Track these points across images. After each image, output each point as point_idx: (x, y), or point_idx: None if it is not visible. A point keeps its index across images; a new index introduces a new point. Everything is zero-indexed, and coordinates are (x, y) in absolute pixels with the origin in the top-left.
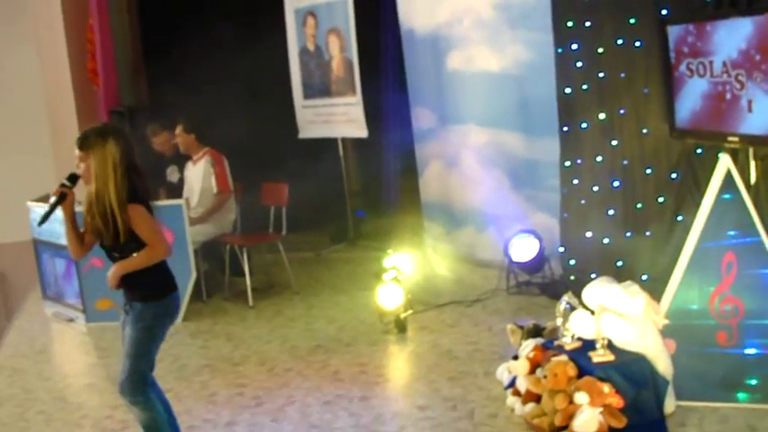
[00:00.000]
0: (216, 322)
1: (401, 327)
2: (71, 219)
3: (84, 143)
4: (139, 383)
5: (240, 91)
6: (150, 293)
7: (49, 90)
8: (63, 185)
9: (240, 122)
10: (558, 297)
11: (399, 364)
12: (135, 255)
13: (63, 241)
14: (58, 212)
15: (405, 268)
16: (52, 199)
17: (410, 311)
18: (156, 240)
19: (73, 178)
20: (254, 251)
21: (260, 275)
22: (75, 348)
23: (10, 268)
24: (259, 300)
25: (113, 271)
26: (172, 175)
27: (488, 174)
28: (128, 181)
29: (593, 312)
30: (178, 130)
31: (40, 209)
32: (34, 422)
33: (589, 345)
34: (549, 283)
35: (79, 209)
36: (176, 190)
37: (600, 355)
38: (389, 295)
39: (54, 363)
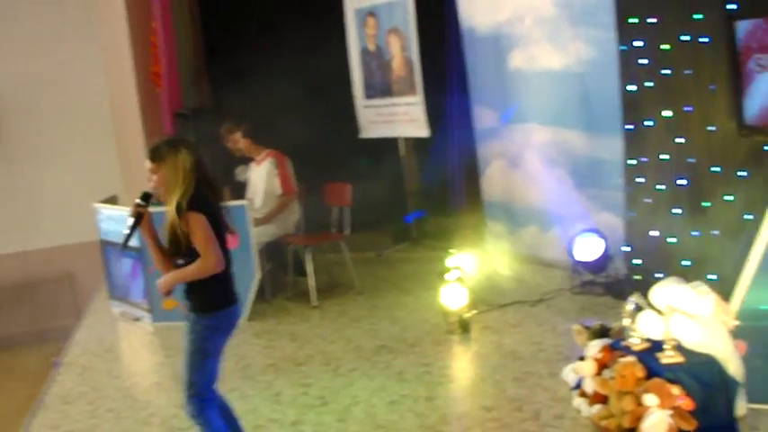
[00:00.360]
0: (280, 322)
1: (465, 327)
2: (152, 237)
3: (156, 155)
4: (196, 399)
5: (301, 91)
6: (203, 306)
7: (114, 93)
8: (138, 205)
9: (302, 123)
10: (622, 297)
11: (464, 365)
12: (191, 264)
13: (129, 242)
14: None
15: (468, 268)
16: (130, 221)
17: (474, 311)
18: (207, 251)
19: (146, 197)
20: (317, 251)
21: (323, 275)
22: (142, 347)
23: (78, 268)
24: (323, 300)
25: (166, 278)
26: (241, 174)
27: (551, 173)
28: (196, 191)
29: (661, 313)
30: (237, 134)
31: (106, 210)
32: (104, 419)
33: (657, 346)
34: (614, 282)
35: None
36: (243, 189)
37: (669, 357)
38: (453, 295)
39: (122, 361)
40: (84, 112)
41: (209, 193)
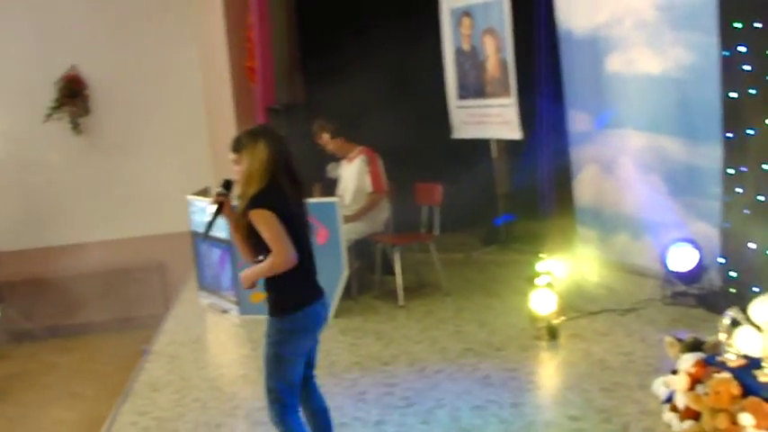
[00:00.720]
0: (366, 320)
1: (553, 333)
2: (234, 226)
3: (237, 145)
4: (276, 405)
5: (394, 90)
6: (277, 309)
7: (209, 87)
8: (219, 194)
9: (394, 121)
10: (715, 310)
11: (551, 372)
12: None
13: (219, 234)
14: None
15: (557, 273)
16: (211, 209)
17: (562, 318)
18: (276, 248)
19: (228, 185)
20: (406, 251)
21: (410, 275)
22: (229, 339)
23: (169, 258)
24: (409, 299)
25: (246, 273)
26: (332, 171)
27: (645, 179)
28: (269, 185)
29: (760, 329)
30: (325, 138)
31: (198, 202)
32: (190, 408)
33: (755, 363)
34: (708, 294)
35: None
36: (334, 186)
37: (767, 375)
38: (542, 301)
39: (209, 352)
40: (179, 105)
41: (289, 186)
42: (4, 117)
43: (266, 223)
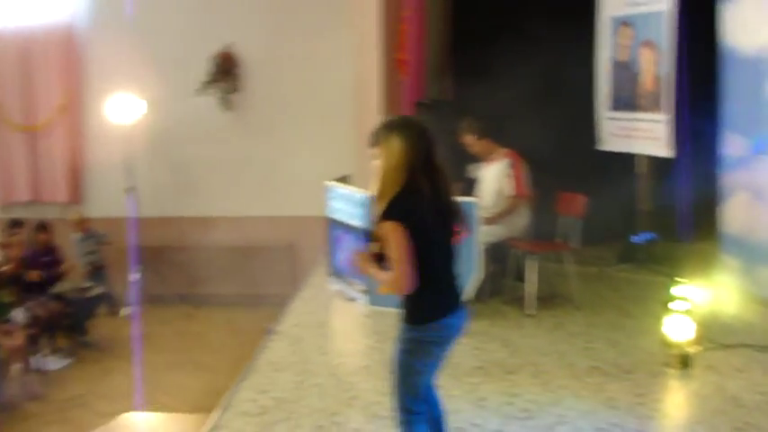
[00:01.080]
0: (493, 325)
1: (685, 362)
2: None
3: (374, 138)
4: (401, 411)
5: (543, 94)
6: (410, 315)
7: (359, 76)
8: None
9: (540, 126)
10: None
11: (679, 402)
12: (386, 271)
13: (354, 222)
14: (357, 195)
15: (695, 300)
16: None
17: (698, 348)
18: (397, 268)
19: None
20: (540, 259)
21: (542, 284)
22: (354, 328)
23: (301, 240)
24: (539, 309)
25: (365, 261)
26: (473, 171)
27: None
28: (404, 188)
29: None
30: (471, 138)
31: (337, 189)
32: (308, 393)
33: None
34: None
35: None
36: (473, 187)
37: None
38: (677, 327)
39: (333, 339)
40: (328, 91)
41: (429, 185)
42: (161, 87)
43: (395, 240)
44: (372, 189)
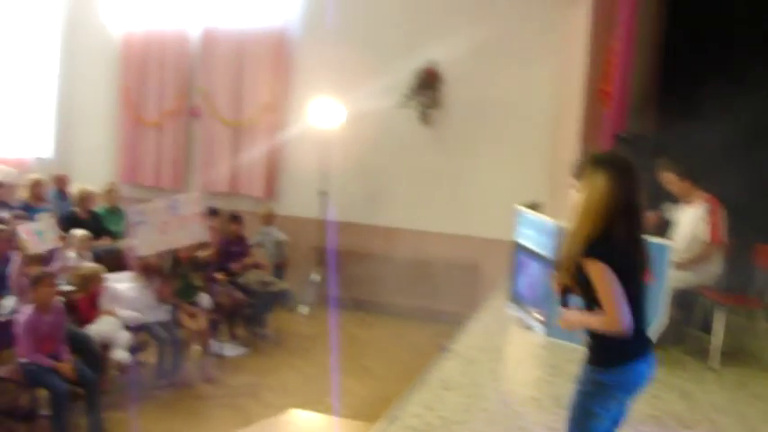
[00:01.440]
0: (672, 374)
1: None
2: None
3: (578, 170)
4: None
5: (751, 138)
6: (596, 357)
7: (560, 104)
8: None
9: (742, 172)
10: None
11: None
12: (593, 311)
13: (542, 250)
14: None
15: None
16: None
17: None
18: (611, 312)
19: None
20: (729, 311)
21: (729, 338)
22: (528, 357)
23: (483, 261)
24: (723, 364)
25: (571, 316)
26: (667, 211)
27: None
28: (605, 229)
29: None
30: (670, 177)
31: (527, 214)
32: (476, 417)
33: None
34: None
35: None
36: (666, 228)
37: None
38: None
39: (506, 365)
40: (527, 116)
41: (627, 226)
42: (362, 96)
43: (603, 280)
44: (566, 220)
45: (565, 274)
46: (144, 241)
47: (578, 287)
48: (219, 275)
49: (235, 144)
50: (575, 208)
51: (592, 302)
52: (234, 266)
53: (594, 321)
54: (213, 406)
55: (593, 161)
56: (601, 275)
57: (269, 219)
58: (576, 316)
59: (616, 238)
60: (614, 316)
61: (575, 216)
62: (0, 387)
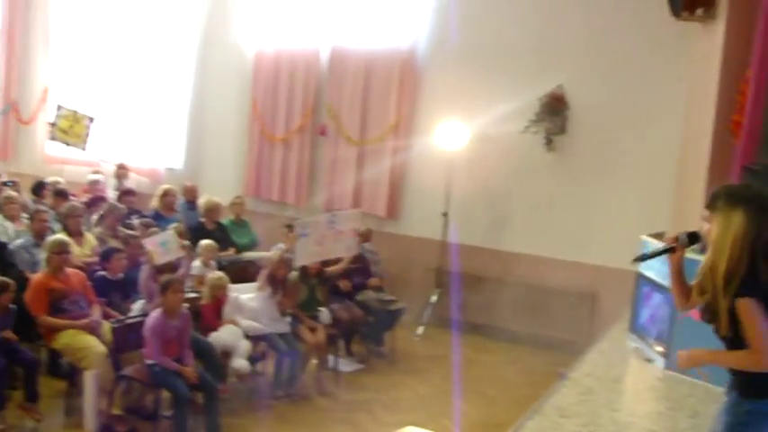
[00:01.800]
0: None
1: None
2: (676, 272)
3: (712, 202)
4: None
5: None
6: (750, 387)
7: (688, 134)
8: (677, 239)
9: None
10: None
11: None
12: (733, 351)
13: (665, 281)
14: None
15: None
16: (662, 245)
17: None
18: (758, 347)
19: (693, 237)
20: None
21: None
22: (646, 390)
23: (603, 290)
24: None
25: (694, 354)
26: None
27: None
28: (751, 264)
29: None
30: None
31: (653, 244)
32: None
33: None
34: None
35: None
36: None
37: None
38: None
39: (624, 396)
40: (653, 144)
41: (764, 264)
42: (488, 119)
43: (752, 317)
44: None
45: (712, 315)
46: (302, 251)
47: (723, 324)
48: (345, 283)
49: (360, 162)
50: (708, 240)
51: (735, 339)
52: (356, 282)
53: (732, 359)
54: (328, 420)
55: (729, 195)
56: (750, 312)
57: (367, 236)
58: (704, 354)
59: (762, 276)
60: (759, 353)
61: (710, 251)
62: (127, 386)
